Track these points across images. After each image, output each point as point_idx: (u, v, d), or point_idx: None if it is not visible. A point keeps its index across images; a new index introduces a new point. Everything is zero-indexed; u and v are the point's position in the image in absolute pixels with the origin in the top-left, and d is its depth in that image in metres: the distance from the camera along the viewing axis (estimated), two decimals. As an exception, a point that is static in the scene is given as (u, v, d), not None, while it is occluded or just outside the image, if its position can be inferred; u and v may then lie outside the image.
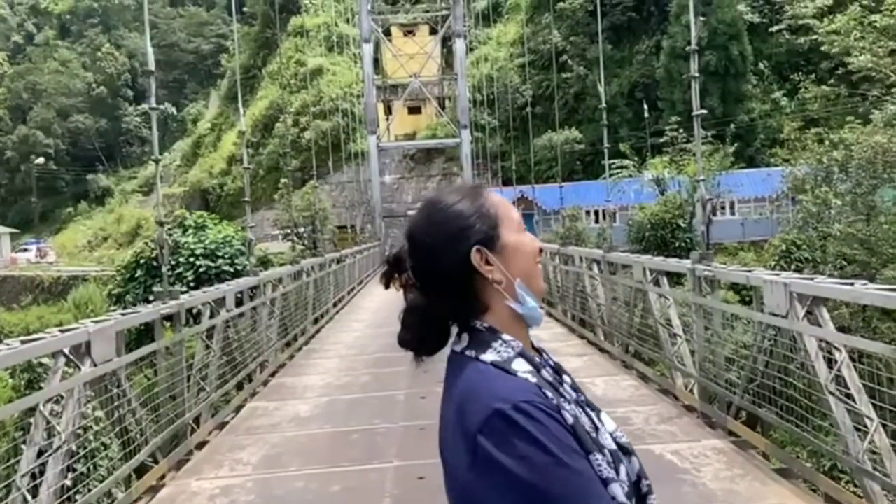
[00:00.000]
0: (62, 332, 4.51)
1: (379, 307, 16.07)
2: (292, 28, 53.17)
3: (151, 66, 6.97)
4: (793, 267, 17.29)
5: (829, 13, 32.75)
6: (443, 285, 1.21)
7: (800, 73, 37.97)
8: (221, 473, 5.47)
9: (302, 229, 27.55)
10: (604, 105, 11.99)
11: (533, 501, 1.01)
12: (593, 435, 1.14)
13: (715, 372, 6.03)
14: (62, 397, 4.30)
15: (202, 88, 77.86)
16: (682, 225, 24.30)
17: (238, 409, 7.38)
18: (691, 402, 6.47)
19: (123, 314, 5.51)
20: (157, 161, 7.38)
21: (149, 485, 5.10)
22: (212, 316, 7.03)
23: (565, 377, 1.24)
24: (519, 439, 1.03)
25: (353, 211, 39.78)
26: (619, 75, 42.33)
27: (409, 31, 47.86)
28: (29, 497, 3.78)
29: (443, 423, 1.18)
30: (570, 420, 1.10)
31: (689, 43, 7.37)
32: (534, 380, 1.13)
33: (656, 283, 7.56)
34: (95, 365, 4.62)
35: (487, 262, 1.21)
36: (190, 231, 16.13)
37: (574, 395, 1.19)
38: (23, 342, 4.10)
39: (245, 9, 62.36)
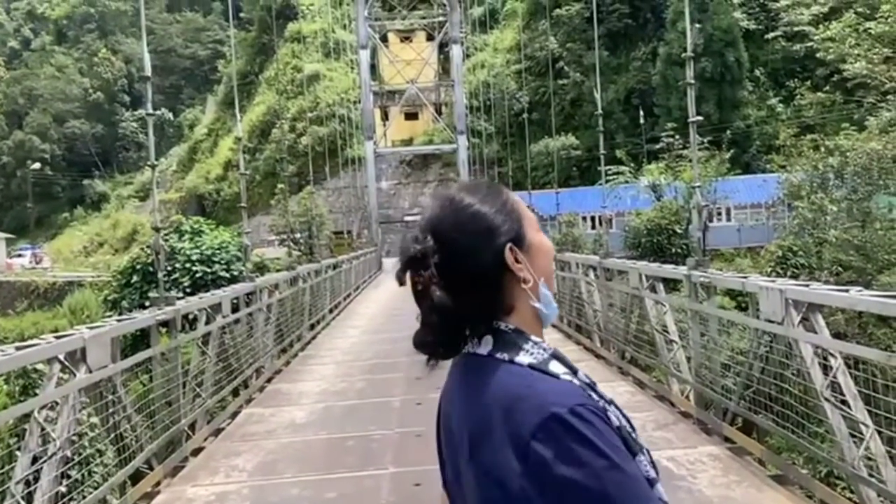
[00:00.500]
0: (57, 338, 4.50)
1: (375, 313, 16.06)
2: (289, 34, 53.35)
3: (148, 72, 6.99)
4: (789, 273, 17.28)
5: (825, 20, 32.97)
6: (474, 284, 1.15)
7: (795, 80, 38.24)
8: (217, 480, 5.45)
9: (298, 235, 27.54)
10: (600, 111, 12.01)
11: None
12: (634, 436, 1.12)
13: (711, 378, 6.02)
14: (57, 403, 4.29)
15: (199, 94, 77.91)
16: (679, 231, 24.30)
17: (234, 415, 7.36)
18: (687, 409, 6.47)
19: (119, 320, 5.51)
20: (153, 166, 7.36)
21: (144, 491, 5.08)
22: (208, 322, 7.02)
23: None
24: (577, 444, 1.01)
25: (349, 217, 39.84)
26: (615, 82, 42.46)
27: (405, 37, 48.11)
28: (23, 504, 3.76)
29: (474, 428, 1.12)
30: (616, 422, 1.09)
31: (685, 49, 7.39)
32: (576, 382, 1.10)
33: (652, 289, 7.56)
34: (91, 371, 4.61)
35: (516, 261, 1.17)
36: (186, 237, 16.11)
37: (607, 395, 1.17)
38: (18, 348, 4.10)
39: (242, 14, 62.53)
